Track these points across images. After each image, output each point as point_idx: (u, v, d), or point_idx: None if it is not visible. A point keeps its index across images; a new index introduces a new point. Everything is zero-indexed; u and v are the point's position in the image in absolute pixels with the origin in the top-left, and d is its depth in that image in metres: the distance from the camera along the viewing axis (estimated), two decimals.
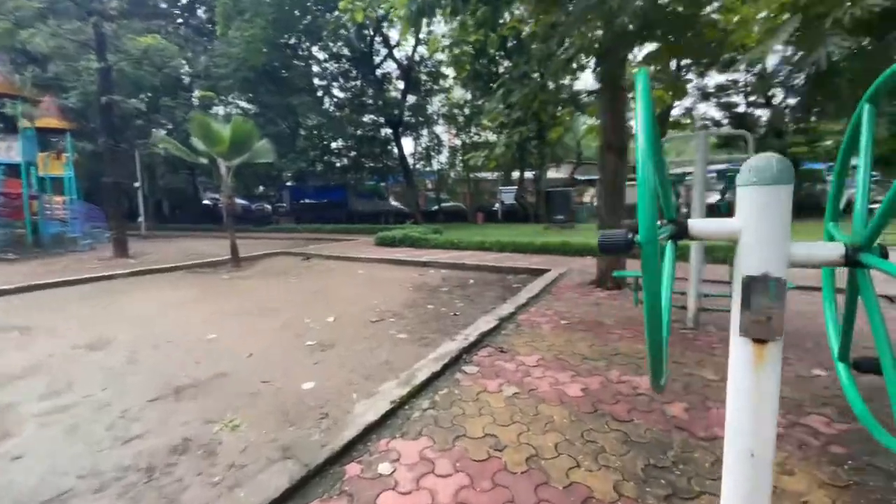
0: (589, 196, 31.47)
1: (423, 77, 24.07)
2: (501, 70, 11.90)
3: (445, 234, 14.60)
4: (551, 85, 6.19)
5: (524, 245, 10.15)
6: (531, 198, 25.05)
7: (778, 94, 22.29)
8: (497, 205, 25.33)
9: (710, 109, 24.77)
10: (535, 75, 6.22)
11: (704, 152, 4.05)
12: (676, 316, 4.32)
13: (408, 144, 26.37)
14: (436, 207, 27.95)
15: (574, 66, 6.00)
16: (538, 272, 7.42)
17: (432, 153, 26.97)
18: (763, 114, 23.38)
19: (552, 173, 33.40)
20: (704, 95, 23.79)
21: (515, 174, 25.55)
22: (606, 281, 5.99)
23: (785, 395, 2.78)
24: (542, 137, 22.39)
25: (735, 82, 22.84)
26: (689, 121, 22.91)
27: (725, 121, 23.85)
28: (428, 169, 28.40)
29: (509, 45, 9.79)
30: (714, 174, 33.09)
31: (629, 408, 2.72)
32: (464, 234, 15.62)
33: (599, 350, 3.76)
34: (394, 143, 23.54)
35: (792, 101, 22.46)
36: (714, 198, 29.45)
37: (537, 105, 6.04)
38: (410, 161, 25.21)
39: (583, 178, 33.34)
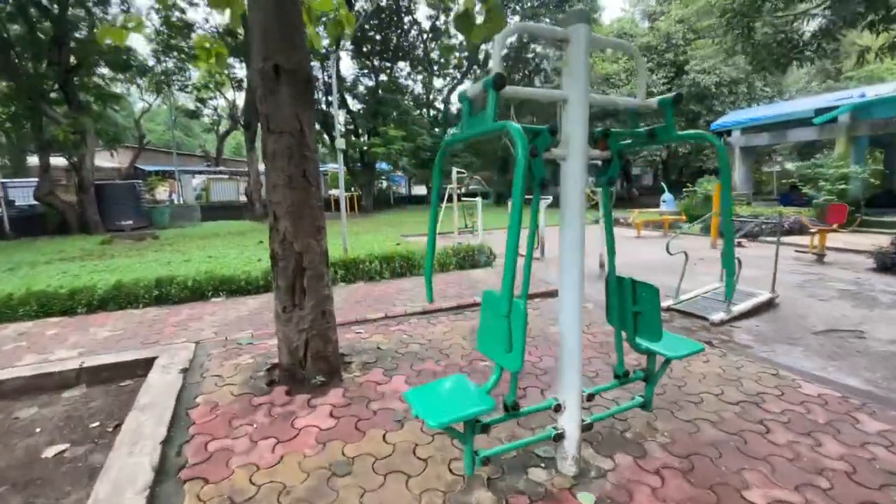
0: (166, 192, 24.78)
1: None
2: None
3: None
4: None
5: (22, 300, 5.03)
6: (67, 195, 16.34)
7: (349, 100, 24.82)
8: (2, 209, 14.81)
9: None
10: None
11: None
12: None
13: None
14: None
15: None
16: (121, 371, 3.44)
17: None
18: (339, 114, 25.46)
19: (103, 161, 23.98)
20: None
21: (34, 161, 15.76)
22: (317, 370, 3.12)
23: None
24: (67, 94, 14.56)
25: (316, 78, 23.50)
26: None
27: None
28: None
29: None
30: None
31: None
32: None
33: None
34: None
35: (360, 106, 25.71)
36: None
37: None
38: None
39: (150, 168, 25.92)
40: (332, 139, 24.69)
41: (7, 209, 15.31)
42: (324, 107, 24.42)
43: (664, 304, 4.99)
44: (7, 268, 8.89)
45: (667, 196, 15.00)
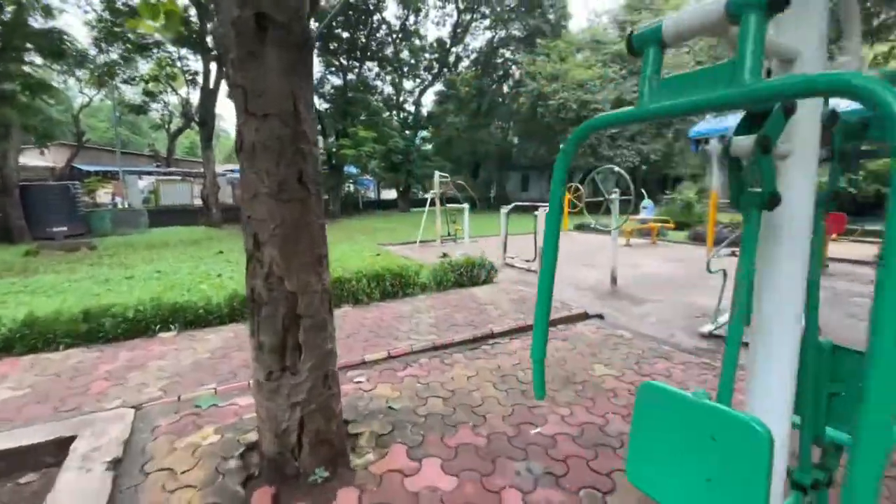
0: (108, 195, 22.40)
1: None
2: None
3: None
4: None
5: None
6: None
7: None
8: None
9: None
10: None
11: None
12: None
13: None
14: None
15: None
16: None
17: None
18: None
19: (31, 160, 21.45)
20: None
21: None
22: (317, 460, 2.17)
23: None
24: None
25: None
26: None
27: None
28: None
29: None
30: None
31: None
32: None
33: None
34: None
35: (327, 105, 24.36)
36: None
37: None
38: None
39: (91, 167, 23.41)
40: None
41: None
42: None
43: (702, 329, 4.37)
44: None
45: (647, 202, 14.83)
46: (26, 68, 14.41)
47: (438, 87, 30.60)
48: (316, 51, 24.73)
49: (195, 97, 20.82)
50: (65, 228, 14.51)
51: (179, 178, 23.21)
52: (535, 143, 26.45)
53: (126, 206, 19.06)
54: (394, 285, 5.55)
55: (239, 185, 2.02)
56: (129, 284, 6.64)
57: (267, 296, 1.98)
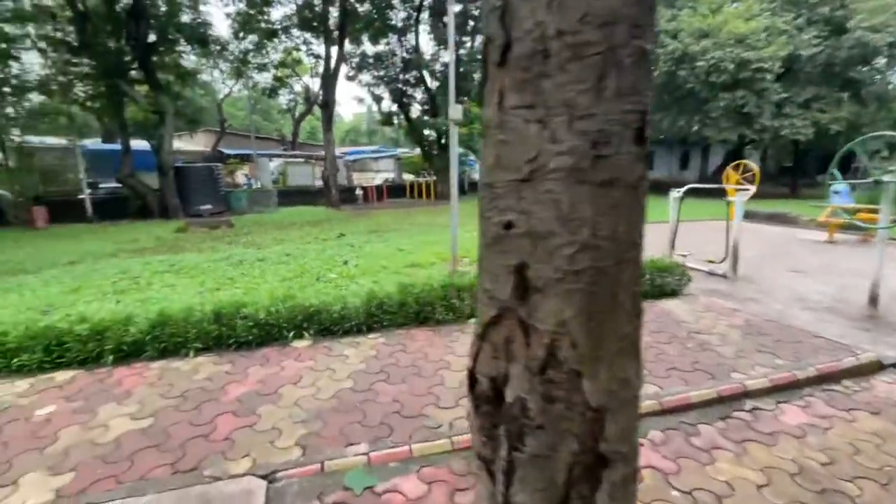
0: (245, 175, 24.63)
1: None
2: None
3: None
4: None
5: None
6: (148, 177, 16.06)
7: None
8: (86, 191, 14.76)
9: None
10: None
11: None
12: None
13: None
14: None
15: None
16: None
17: None
18: (416, 93, 23.59)
19: (183, 144, 24.26)
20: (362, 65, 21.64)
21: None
22: None
23: None
24: (147, 73, 13.83)
25: (392, 53, 21.78)
26: None
27: (387, 95, 22.82)
28: None
29: None
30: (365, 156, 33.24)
31: None
32: None
33: None
34: None
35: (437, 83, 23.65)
36: (381, 177, 29.19)
37: None
38: None
39: (232, 151, 25.93)
40: (410, 119, 22.98)
41: (93, 192, 15.27)
42: (400, 85, 22.70)
43: None
44: (69, 260, 8.02)
45: (840, 186, 11.40)
46: (178, 58, 15.86)
47: None
48: (426, 28, 24.04)
49: (315, 84, 21.64)
50: (209, 206, 15.91)
51: (303, 160, 24.59)
52: (669, 113, 22.78)
53: (259, 185, 20.58)
54: None
55: (485, 151, 0.89)
56: (261, 268, 6.42)
57: (540, 409, 0.86)
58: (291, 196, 19.89)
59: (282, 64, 20.17)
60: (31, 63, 13.73)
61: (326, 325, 3.66)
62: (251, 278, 5.76)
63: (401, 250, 7.66)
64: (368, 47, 22.31)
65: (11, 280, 6.21)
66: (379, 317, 3.77)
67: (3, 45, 12.06)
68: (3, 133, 13.42)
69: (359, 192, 21.51)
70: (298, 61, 22.72)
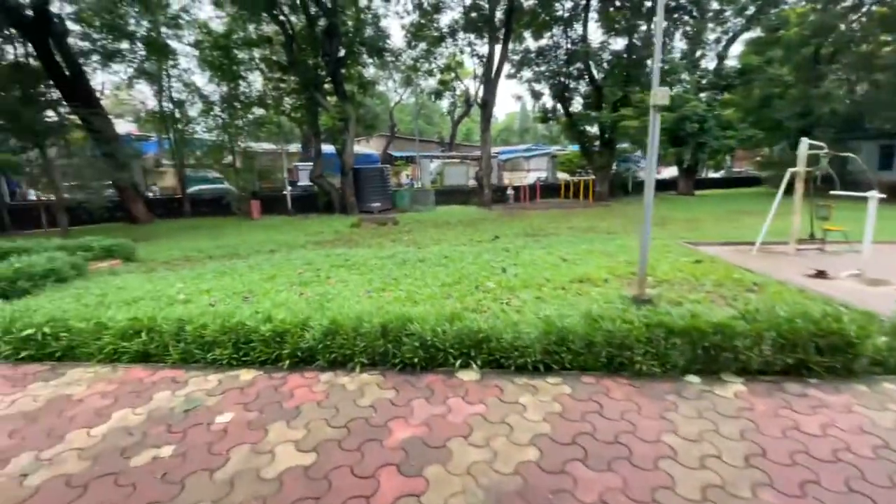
0: (408, 176, 26.54)
1: None
2: None
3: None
4: None
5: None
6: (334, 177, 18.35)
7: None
8: (287, 188, 17.67)
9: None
10: None
11: None
12: None
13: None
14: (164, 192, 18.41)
15: None
16: None
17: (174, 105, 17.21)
18: (580, 86, 21.94)
19: (360, 147, 27.19)
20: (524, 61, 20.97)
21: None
22: None
23: None
24: (336, 84, 15.65)
25: (556, 47, 20.63)
26: None
27: (547, 91, 21.82)
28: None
29: None
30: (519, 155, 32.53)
31: None
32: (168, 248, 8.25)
33: None
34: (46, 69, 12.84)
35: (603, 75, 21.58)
36: (532, 177, 28.34)
37: None
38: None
39: (398, 154, 28.25)
40: (570, 114, 21.49)
41: (292, 188, 18.12)
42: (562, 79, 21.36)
43: None
44: (270, 248, 9.30)
45: None
46: (360, 70, 17.61)
47: (754, 33, 23.01)
48: (594, 16, 22.05)
49: (474, 87, 21.74)
50: (378, 204, 17.35)
51: (459, 160, 25.30)
52: None
53: (419, 185, 21.83)
54: (815, 349, 2.93)
55: None
56: (422, 270, 6.30)
57: None
58: (446, 195, 20.52)
59: (447, 68, 20.87)
60: (254, 81, 16.92)
61: (496, 356, 3.08)
62: (413, 280, 5.63)
63: (564, 260, 6.74)
64: (530, 43, 21.59)
65: (227, 264, 7.33)
66: (559, 355, 3.02)
67: (235, 68, 15.06)
68: (233, 140, 16.84)
69: (510, 191, 21.03)
70: (460, 64, 23.35)
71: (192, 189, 18.74)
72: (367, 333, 3.14)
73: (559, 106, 21.79)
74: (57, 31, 12.57)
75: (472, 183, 22.42)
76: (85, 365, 3.28)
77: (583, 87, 22.25)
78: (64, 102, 13.06)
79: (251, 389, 2.84)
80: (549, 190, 22.78)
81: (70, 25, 13.42)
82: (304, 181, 19.97)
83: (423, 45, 20.38)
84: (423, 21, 19.02)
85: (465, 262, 6.77)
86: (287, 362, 3.10)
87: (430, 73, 21.27)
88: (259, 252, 8.70)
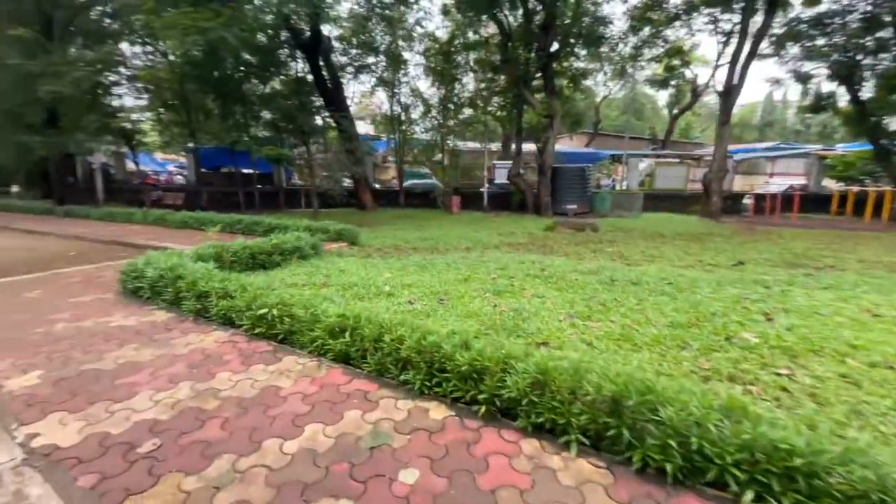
0: (608, 177, 24.13)
1: None
2: None
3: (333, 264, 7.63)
4: None
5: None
6: (531, 176, 17.82)
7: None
8: (485, 185, 18.07)
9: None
10: None
11: None
12: None
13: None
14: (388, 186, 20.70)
15: None
16: None
17: (401, 110, 19.46)
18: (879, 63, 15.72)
19: (560, 146, 25.97)
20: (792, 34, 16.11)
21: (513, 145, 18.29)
22: None
23: None
24: (545, 79, 14.85)
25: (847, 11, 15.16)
26: None
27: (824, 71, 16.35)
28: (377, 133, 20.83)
29: None
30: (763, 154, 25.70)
31: None
32: (385, 236, 8.75)
33: None
34: (310, 76, 15.71)
35: None
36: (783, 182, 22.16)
37: None
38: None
39: (602, 152, 25.94)
40: (858, 101, 15.61)
41: (489, 186, 18.39)
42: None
43: None
44: (466, 246, 9.25)
45: None
46: (572, 63, 16.42)
47: None
48: None
49: (704, 74, 17.82)
50: (574, 206, 16.04)
51: (676, 160, 21.59)
52: None
53: (623, 187, 19.46)
54: None
55: None
56: (638, 297, 5.00)
57: None
58: (656, 200, 17.63)
59: (676, 51, 17.79)
60: (466, 83, 17.66)
61: (815, 497, 1.79)
62: (627, 310, 4.46)
63: (876, 317, 4.43)
64: (799, 12, 16.44)
65: (428, 258, 7.43)
66: None
67: (453, 72, 15.89)
68: (444, 139, 18.01)
69: (747, 200, 16.71)
70: (691, 48, 19.67)
71: (407, 183, 21.03)
72: (588, 400, 2.26)
73: (842, 91, 16.12)
74: (325, 49, 15.47)
75: (691, 187, 18.77)
76: (299, 353, 3.39)
77: (886, 63, 15.83)
78: (325, 108, 16.11)
79: (440, 438, 2.33)
80: (809, 202, 17.28)
81: (334, 44, 16.40)
82: (500, 179, 20.13)
83: (647, 29, 17.81)
84: (651, 1, 16.55)
85: (701, 294, 5.14)
86: (483, 408, 2.50)
87: (656, 59, 18.50)
88: (456, 249, 8.72)
